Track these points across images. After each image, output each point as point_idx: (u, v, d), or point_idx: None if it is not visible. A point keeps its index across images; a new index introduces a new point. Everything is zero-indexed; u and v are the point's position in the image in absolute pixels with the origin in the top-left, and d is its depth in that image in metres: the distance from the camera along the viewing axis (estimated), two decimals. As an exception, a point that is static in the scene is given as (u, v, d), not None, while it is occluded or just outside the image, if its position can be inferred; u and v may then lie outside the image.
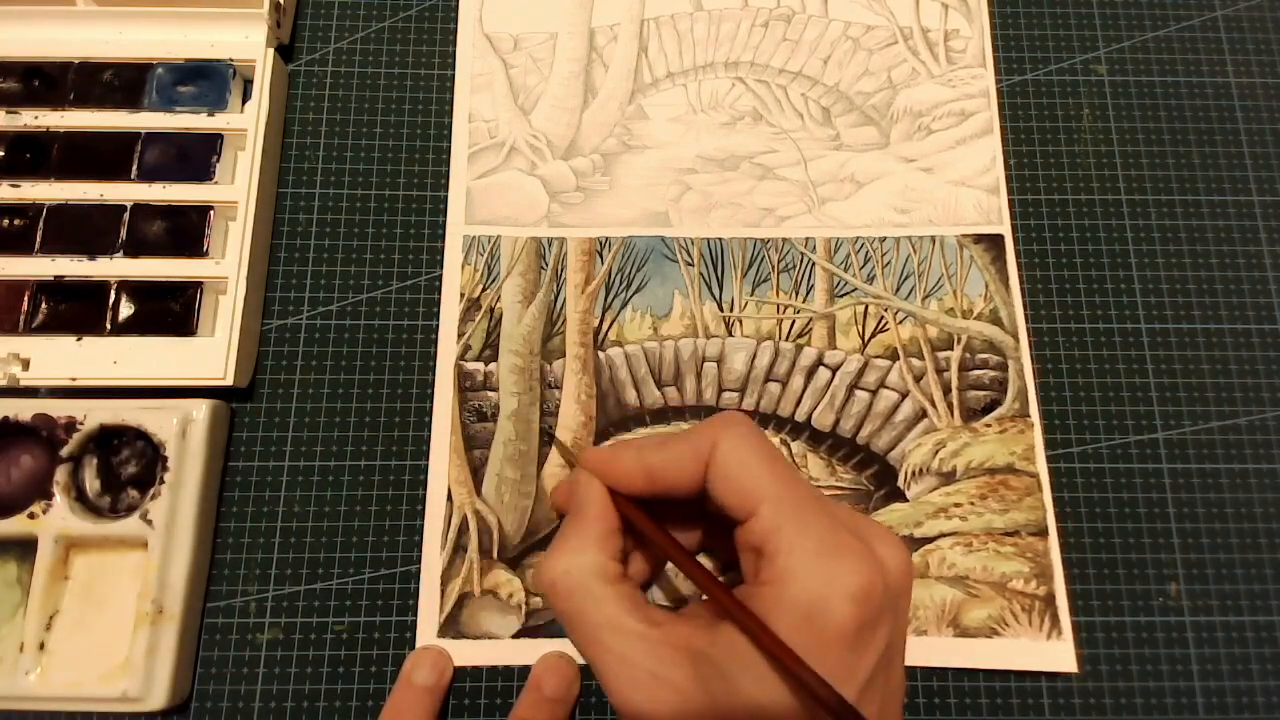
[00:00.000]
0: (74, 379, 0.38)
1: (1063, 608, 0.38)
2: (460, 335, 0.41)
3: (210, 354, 0.38)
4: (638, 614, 0.27)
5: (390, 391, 0.40)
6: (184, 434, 0.37)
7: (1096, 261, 0.42)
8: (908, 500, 0.39)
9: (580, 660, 0.36)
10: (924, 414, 0.40)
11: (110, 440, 0.37)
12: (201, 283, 0.39)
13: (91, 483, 0.37)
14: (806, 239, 0.42)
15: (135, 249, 0.39)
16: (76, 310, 0.39)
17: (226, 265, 0.39)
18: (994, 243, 0.42)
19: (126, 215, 0.40)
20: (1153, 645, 0.38)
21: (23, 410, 0.36)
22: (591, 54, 0.45)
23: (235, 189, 0.40)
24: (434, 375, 0.40)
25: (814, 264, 0.42)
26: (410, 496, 0.39)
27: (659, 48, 0.45)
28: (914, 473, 0.39)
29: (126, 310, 0.39)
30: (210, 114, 0.41)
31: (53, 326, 0.38)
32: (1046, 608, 0.38)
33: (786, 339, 0.41)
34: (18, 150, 0.40)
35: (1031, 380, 0.41)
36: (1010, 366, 0.41)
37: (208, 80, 0.42)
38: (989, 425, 0.40)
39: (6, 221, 0.40)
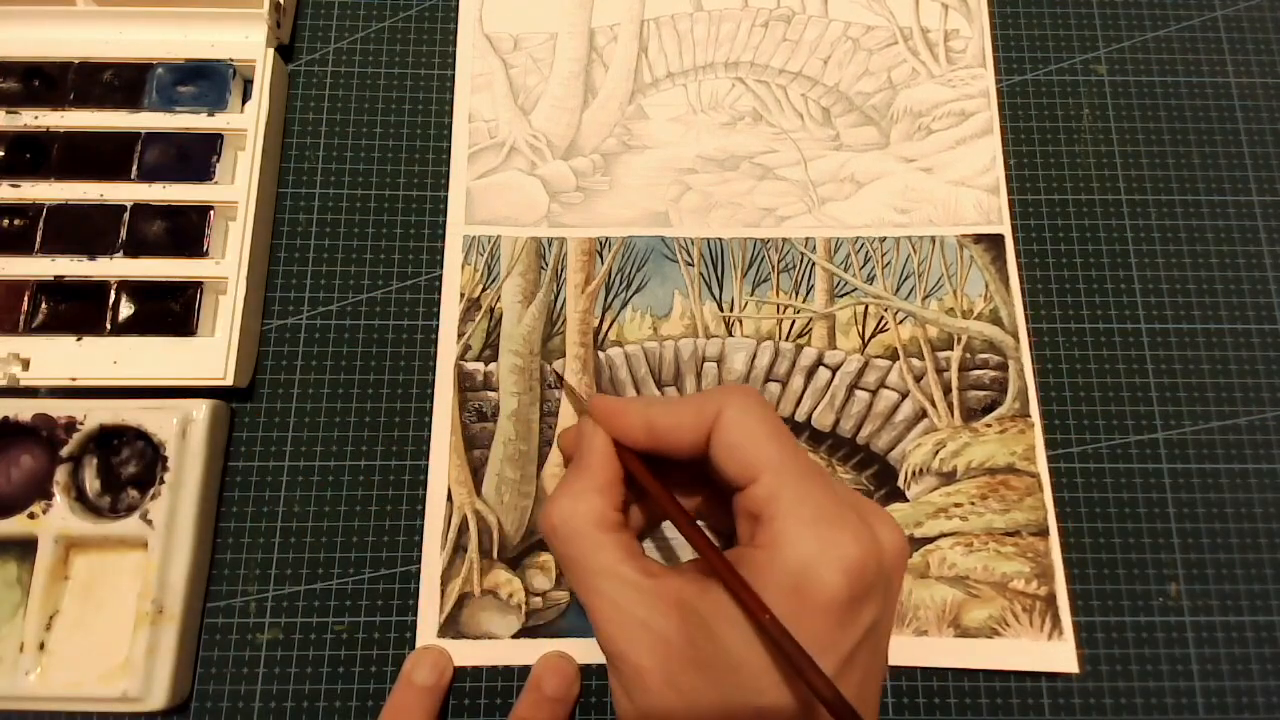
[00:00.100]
0: (74, 379, 0.38)
1: (1064, 608, 0.38)
2: (460, 335, 0.41)
3: (210, 354, 0.38)
4: (633, 563, 0.28)
5: (390, 391, 0.40)
6: (184, 434, 0.37)
7: (1096, 261, 0.42)
8: (908, 500, 0.39)
9: (581, 660, 0.36)
10: (924, 414, 0.40)
11: (110, 440, 0.37)
12: (201, 283, 0.39)
13: (91, 483, 0.37)
14: (806, 239, 0.42)
15: (135, 249, 0.39)
16: (76, 310, 0.39)
17: (226, 265, 0.39)
18: (994, 243, 0.42)
19: (126, 215, 0.40)
20: (1153, 645, 0.38)
21: (23, 410, 0.36)
22: (591, 54, 0.45)
23: (235, 189, 0.40)
24: (434, 375, 0.40)
25: (814, 264, 0.42)
26: (410, 496, 0.39)
27: (659, 48, 0.45)
28: (914, 473, 0.39)
29: (126, 310, 0.39)
30: (210, 114, 0.41)
31: (53, 326, 0.38)
32: (1047, 608, 0.38)
33: (786, 339, 0.41)
34: (18, 150, 0.40)
35: (1032, 380, 0.41)
36: (1010, 366, 0.41)
37: (208, 80, 0.42)
38: (989, 425, 0.40)
39: (6, 221, 0.40)
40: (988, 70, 0.45)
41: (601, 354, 0.41)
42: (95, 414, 0.37)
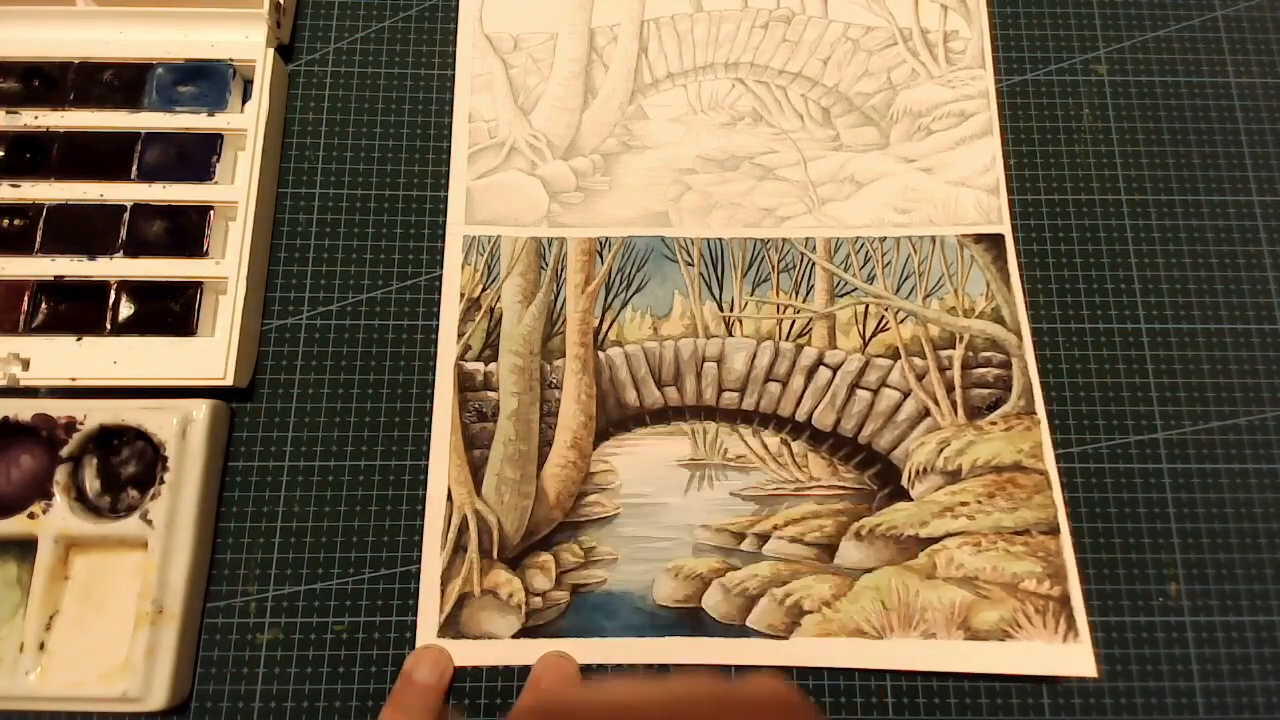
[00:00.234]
0: (74, 379, 0.38)
1: (1078, 609, 0.37)
2: (460, 335, 0.41)
3: (210, 354, 0.38)
4: None
5: (390, 391, 0.40)
6: (184, 434, 0.37)
7: (1096, 261, 0.42)
8: (912, 499, 0.39)
9: (580, 660, 0.36)
10: (927, 412, 0.40)
11: (110, 440, 0.37)
12: (201, 283, 0.39)
13: (91, 483, 0.37)
14: (806, 239, 0.42)
15: (135, 249, 0.39)
16: (76, 310, 0.39)
17: (226, 265, 0.39)
18: (994, 242, 0.42)
19: (126, 215, 0.40)
20: (1153, 645, 0.38)
21: (23, 410, 0.36)
22: (591, 54, 0.45)
23: (235, 189, 0.40)
24: (434, 375, 0.40)
25: (814, 264, 0.42)
26: (410, 496, 0.39)
27: (659, 48, 0.45)
28: (918, 471, 0.39)
29: (126, 310, 0.39)
30: (210, 114, 0.41)
31: (53, 326, 0.38)
32: (1061, 609, 0.37)
33: (786, 339, 0.41)
34: (18, 150, 0.40)
35: (1036, 377, 0.40)
36: (1014, 364, 0.41)
37: (208, 80, 0.42)
38: (994, 423, 0.40)
39: (6, 221, 0.40)
40: (987, 71, 0.45)
41: (601, 354, 0.41)
42: (95, 414, 0.36)
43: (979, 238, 0.42)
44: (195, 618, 0.36)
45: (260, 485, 0.39)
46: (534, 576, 0.38)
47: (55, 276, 0.39)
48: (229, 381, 0.38)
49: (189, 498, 0.36)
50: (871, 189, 0.43)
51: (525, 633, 0.37)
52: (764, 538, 0.38)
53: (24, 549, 0.36)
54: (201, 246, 0.39)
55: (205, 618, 0.37)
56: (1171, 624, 0.38)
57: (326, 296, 0.41)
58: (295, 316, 0.41)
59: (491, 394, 0.40)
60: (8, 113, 0.41)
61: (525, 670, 0.36)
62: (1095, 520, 0.39)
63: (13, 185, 0.40)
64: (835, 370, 0.41)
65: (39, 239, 0.39)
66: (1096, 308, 0.42)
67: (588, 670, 0.36)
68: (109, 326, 0.38)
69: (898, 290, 0.42)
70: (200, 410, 0.37)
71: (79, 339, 0.38)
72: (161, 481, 0.36)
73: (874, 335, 0.41)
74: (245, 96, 0.42)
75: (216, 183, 0.41)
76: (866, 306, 0.42)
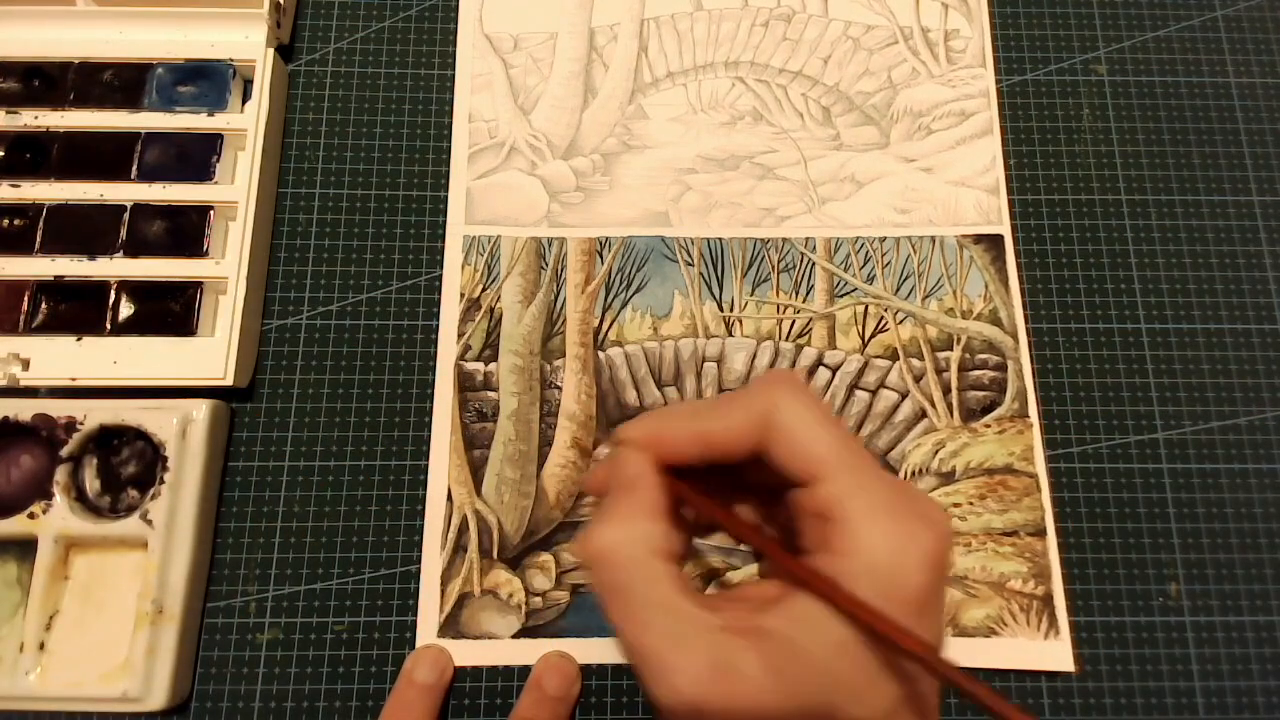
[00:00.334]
0: (74, 379, 0.38)
1: (1060, 608, 0.38)
2: (460, 335, 0.41)
3: (210, 354, 0.38)
4: (694, 598, 0.25)
5: (390, 391, 0.40)
6: (184, 434, 0.37)
7: (1096, 261, 0.42)
8: (908, 500, 0.39)
9: (581, 660, 0.36)
10: (924, 414, 0.40)
11: (110, 440, 0.37)
12: (201, 283, 0.39)
13: (91, 483, 0.37)
14: (806, 239, 0.42)
15: (135, 249, 0.39)
16: (76, 310, 0.39)
17: (226, 265, 0.39)
18: (994, 243, 0.42)
19: (126, 215, 0.40)
20: (1153, 645, 0.38)
21: (23, 410, 0.36)
22: (591, 54, 0.45)
23: (235, 189, 0.40)
24: (434, 375, 0.40)
25: (814, 264, 0.42)
26: (410, 496, 0.39)
27: (659, 47, 0.45)
28: (913, 473, 0.39)
29: (126, 310, 0.39)
30: (210, 114, 0.41)
31: (53, 326, 0.38)
32: (1044, 608, 0.38)
33: (786, 339, 0.41)
34: (18, 150, 0.40)
35: (1030, 380, 0.41)
36: (1009, 367, 0.41)
37: (208, 80, 0.42)
38: (988, 426, 0.40)
39: (6, 221, 0.40)
40: (988, 70, 0.45)
41: (601, 354, 0.41)
42: (95, 414, 0.37)
43: (978, 238, 0.42)
44: (195, 618, 0.37)
45: (260, 485, 0.39)
46: (534, 576, 0.38)
47: (55, 276, 0.39)
48: (229, 381, 0.38)
49: (189, 498, 0.36)
50: (872, 189, 0.43)
51: (525, 633, 0.37)
52: (763, 538, 0.38)
53: (24, 549, 0.36)
54: (201, 246, 0.39)
55: (205, 618, 0.37)
56: (1171, 624, 0.38)
57: (326, 296, 0.41)
58: (295, 316, 0.41)
59: (491, 394, 0.40)
60: (8, 113, 0.41)
61: (525, 670, 0.36)
62: (1095, 520, 0.39)
63: (13, 185, 0.40)
64: (835, 371, 0.41)
65: (39, 239, 0.39)
66: (1096, 308, 0.42)
67: (588, 670, 0.37)
68: (109, 326, 0.38)
69: (897, 291, 0.42)
70: (200, 410, 0.37)
71: (79, 339, 0.38)
72: (161, 481, 0.36)
73: (873, 336, 0.41)
74: (245, 96, 0.42)
75: (216, 183, 0.41)
76: (866, 307, 0.42)
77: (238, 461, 0.39)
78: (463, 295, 0.41)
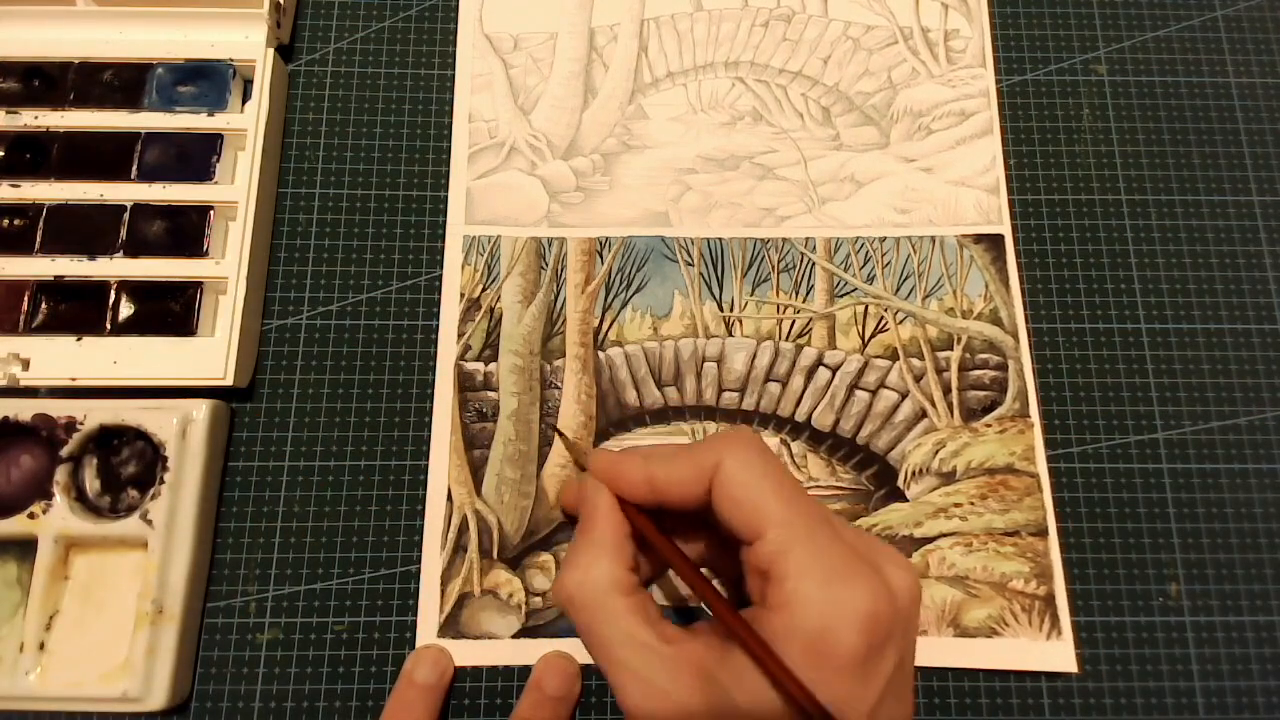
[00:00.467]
0: (74, 379, 0.38)
1: (1062, 608, 0.38)
2: (460, 335, 0.41)
3: (210, 354, 0.38)
4: (651, 629, 0.27)
5: (390, 391, 0.40)
6: (184, 434, 0.37)
7: (1096, 261, 0.42)
8: (908, 500, 0.39)
9: (582, 660, 0.36)
10: (924, 414, 0.40)
11: (110, 440, 0.37)
12: (201, 283, 0.39)
13: (91, 483, 0.37)
14: (806, 239, 0.42)
15: (135, 249, 0.39)
16: (76, 310, 0.39)
17: (226, 265, 0.39)
18: (994, 243, 0.42)
19: (126, 215, 0.40)
20: (1153, 645, 0.38)
21: (23, 410, 0.36)
22: (591, 54, 0.45)
23: (235, 189, 0.40)
24: (434, 375, 0.40)
25: (814, 264, 0.42)
26: (410, 496, 0.39)
27: (659, 48, 0.45)
28: (914, 473, 0.39)
29: (126, 310, 0.39)
30: (210, 114, 0.41)
31: (53, 326, 0.38)
32: (1046, 608, 0.38)
33: (786, 339, 0.41)
34: (18, 150, 0.40)
35: (1031, 380, 0.41)
36: (1010, 366, 0.41)
37: (208, 80, 0.42)
38: (989, 425, 0.40)
39: (6, 221, 0.40)
40: (988, 70, 0.45)
41: (601, 354, 0.41)
42: (95, 414, 0.36)
43: (978, 238, 0.42)
44: (195, 618, 0.37)
45: (260, 485, 0.39)
46: (534, 576, 0.38)
47: (55, 276, 0.39)
48: (229, 381, 0.38)
49: (189, 498, 0.36)
50: (871, 189, 0.43)
51: (525, 633, 0.37)
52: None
53: (24, 549, 0.36)
54: (201, 246, 0.39)
55: (205, 618, 0.37)
56: (1171, 624, 0.38)
57: (326, 296, 0.41)
58: (295, 316, 0.41)
59: (491, 394, 0.40)
60: (8, 113, 0.41)
61: (525, 670, 0.36)
62: (1095, 520, 0.39)
63: (13, 185, 0.40)
64: (835, 371, 0.41)
65: (39, 239, 0.39)
66: (1096, 308, 0.42)
67: (588, 671, 0.37)
68: (109, 326, 0.38)
69: (897, 291, 0.42)
70: (200, 410, 0.37)
71: (79, 339, 0.38)
72: (161, 481, 0.36)
73: (873, 336, 0.41)
74: (245, 96, 0.42)
75: (216, 183, 0.41)
76: (866, 307, 0.42)
77: (238, 461, 0.39)
78: (463, 295, 0.41)
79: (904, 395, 0.40)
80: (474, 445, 0.39)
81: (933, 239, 0.42)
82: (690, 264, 0.42)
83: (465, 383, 0.40)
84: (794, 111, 0.45)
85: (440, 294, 0.41)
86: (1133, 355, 0.41)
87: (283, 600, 0.37)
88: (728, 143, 0.44)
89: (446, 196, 0.43)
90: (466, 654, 0.37)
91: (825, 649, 0.25)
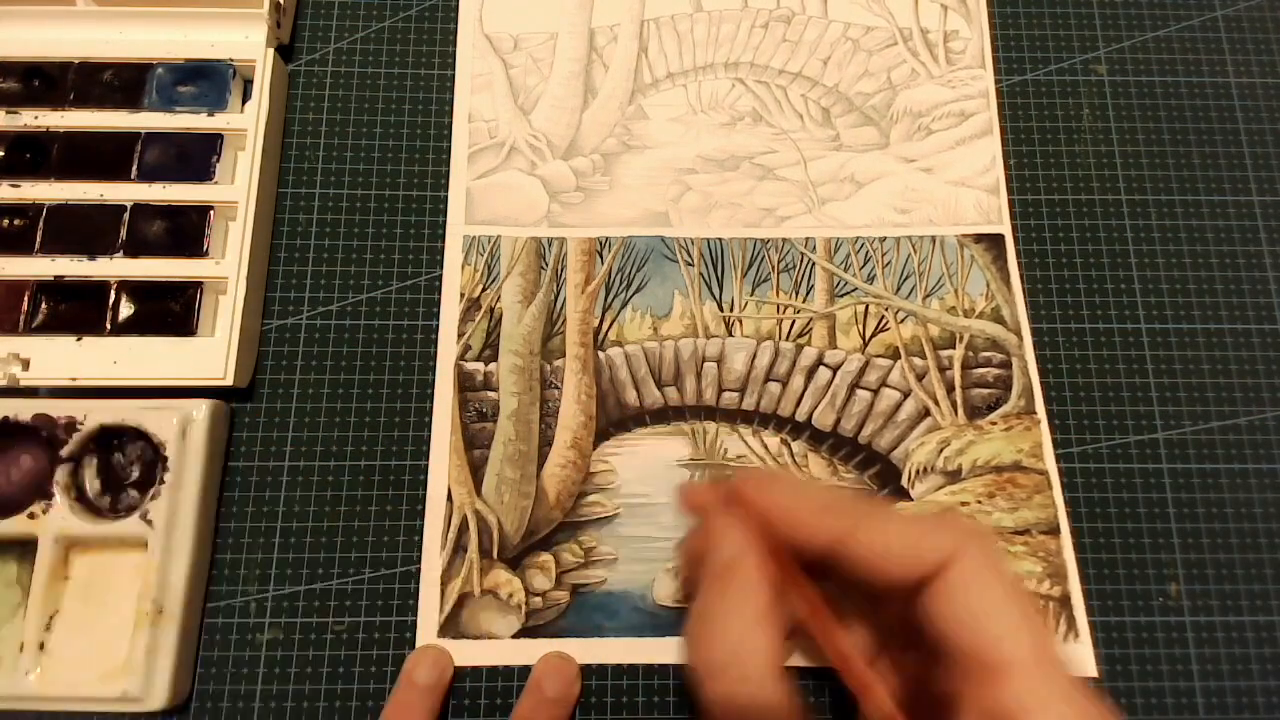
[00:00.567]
0: (74, 379, 0.38)
1: (1079, 609, 0.37)
2: (460, 335, 0.41)
3: (210, 354, 0.38)
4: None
5: (390, 391, 0.40)
6: (184, 434, 0.37)
7: (1096, 261, 0.42)
8: (912, 499, 0.39)
9: (581, 660, 0.36)
10: (927, 412, 0.40)
11: (110, 440, 0.37)
12: (201, 283, 0.39)
13: (91, 483, 0.37)
14: (806, 239, 0.42)
15: (135, 249, 0.39)
16: (76, 310, 0.39)
17: (226, 265, 0.39)
18: (994, 242, 0.42)
19: (126, 215, 0.40)
20: (1153, 645, 0.38)
21: (23, 410, 0.36)
22: (591, 54, 0.45)
23: (235, 189, 0.40)
24: (434, 375, 0.40)
25: (814, 264, 0.42)
26: (410, 496, 0.39)
27: (659, 48, 0.45)
28: (918, 471, 0.39)
29: (126, 310, 0.39)
30: (210, 114, 0.41)
31: (53, 326, 0.38)
32: (1062, 609, 0.37)
33: (786, 339, 0.41)
34: (18, 150, 0.40)
35: (1036, 377, 0.40)
36: (1014, 363, 0.41)
37: (208, 80, 0.42)
38: (994, 423, 0.40)
39: (6, 221, 0.40)
40: (987, 71, 0.45)
41: (601, 354, 0.41)
42: (95, 414, 0.36)
43: (979, 238, 0.43)
44: (195, 618, 0.36)
45: (260, 485, 0.39)
46: (534, 576, 0.38)
47: (55, 276, 0.39)
48: (229, 381, 0.38)
49: (189, 498, 0.36)
50: (871, 189, 0.43)
51: (525, 633, 0.37)
52: (764, 538, 0.38)
53: (24, 549, 0.36)
54: (201, 246, 0.39)
55: (205, 618, 0.37)
56: (1171, 624, 0.38)
57: (326, 296, 0.41)
58: (295, 316, 0.41)
59: (491, 394, 0.40)
60: (8, 113, 0.41)
61: (525, 670, 0.36)
62: (1095, 520, 0.39)
63: (13, 185, 0.40)
64: (835, 370, 0.41)
65: (39, 239, 0.39)
66: (1096, 308, 0.42)
67: (588, 670, 0.37)
68: (109, 326, 0.38)
69: (898, 290, 0.42)
70: (200, 410, 0.37)
71: (79, 339, 0.38)
72: (161, 481, 0.36)
73: (874, 335, 0.41)
74: (245, 96, 0.42)
75: (216, 183, 0.40)
76: (866, 306, 0.42)
77: (238, 461, 0.39)
78: (463, 295, 0.41)
79: (906, 394, 0.40)
80: (474, 445, 0.39)
81: (933, 239, 0.43)
82: (690, 264, 0.42)
83: (465, 383, 0.40)
84: (794, 112, 0.45)
85: (440, 294, 0.41)
86: (1133, 355, 0.41)
87: (283, 600, 0.37)
88: (728, 143, 0.44)
89: (446, 196, 0.43)
90: (466, 654, 0.37)
91: None
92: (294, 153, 0.43)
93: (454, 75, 0.45)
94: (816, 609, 0.24)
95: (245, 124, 0.41)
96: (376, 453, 0.39)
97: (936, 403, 0.40)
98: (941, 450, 0.39)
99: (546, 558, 0.38)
